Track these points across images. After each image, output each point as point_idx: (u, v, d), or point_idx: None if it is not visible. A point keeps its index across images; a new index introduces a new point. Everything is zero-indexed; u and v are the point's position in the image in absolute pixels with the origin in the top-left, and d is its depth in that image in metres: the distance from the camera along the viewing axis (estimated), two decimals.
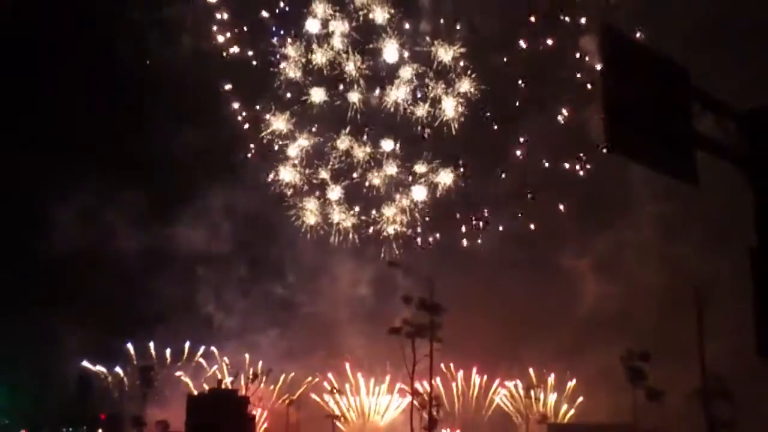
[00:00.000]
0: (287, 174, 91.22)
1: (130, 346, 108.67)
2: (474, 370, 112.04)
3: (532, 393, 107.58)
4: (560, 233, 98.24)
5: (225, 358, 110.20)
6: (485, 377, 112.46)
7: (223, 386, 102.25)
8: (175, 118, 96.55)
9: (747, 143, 10.90)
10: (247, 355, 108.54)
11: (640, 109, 10.19)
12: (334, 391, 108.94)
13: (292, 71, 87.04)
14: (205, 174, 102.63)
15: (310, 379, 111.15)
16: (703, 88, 11.54)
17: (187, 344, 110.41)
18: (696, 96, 11.31)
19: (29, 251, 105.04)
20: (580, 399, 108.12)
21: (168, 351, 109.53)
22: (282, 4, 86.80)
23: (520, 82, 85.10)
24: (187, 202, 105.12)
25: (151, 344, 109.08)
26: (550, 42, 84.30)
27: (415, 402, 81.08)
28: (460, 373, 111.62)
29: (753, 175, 10.82)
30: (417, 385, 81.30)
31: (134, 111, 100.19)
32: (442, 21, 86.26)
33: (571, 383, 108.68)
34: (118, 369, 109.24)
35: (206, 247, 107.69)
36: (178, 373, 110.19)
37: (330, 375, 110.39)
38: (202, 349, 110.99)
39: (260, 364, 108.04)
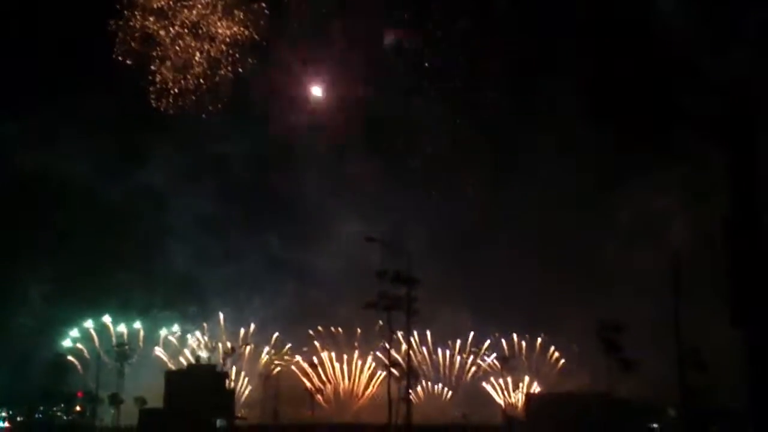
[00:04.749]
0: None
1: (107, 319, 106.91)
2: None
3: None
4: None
5: (201, 335, 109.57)
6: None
7: (201, 361, 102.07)
8: None
9: (724, 115, 10.85)
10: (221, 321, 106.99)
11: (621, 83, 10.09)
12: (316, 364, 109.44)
13: None
14: None
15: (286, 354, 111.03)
16: (682, 61, 11.46)
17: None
18: (675, 69, 11.22)
19: None
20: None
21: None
22: None
23: None
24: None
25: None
26: None
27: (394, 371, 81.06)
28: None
29: (728, 146, 10.79)
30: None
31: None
32: None
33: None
34: (95, 339, 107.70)
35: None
36: (156, 349, 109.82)
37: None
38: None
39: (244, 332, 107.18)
